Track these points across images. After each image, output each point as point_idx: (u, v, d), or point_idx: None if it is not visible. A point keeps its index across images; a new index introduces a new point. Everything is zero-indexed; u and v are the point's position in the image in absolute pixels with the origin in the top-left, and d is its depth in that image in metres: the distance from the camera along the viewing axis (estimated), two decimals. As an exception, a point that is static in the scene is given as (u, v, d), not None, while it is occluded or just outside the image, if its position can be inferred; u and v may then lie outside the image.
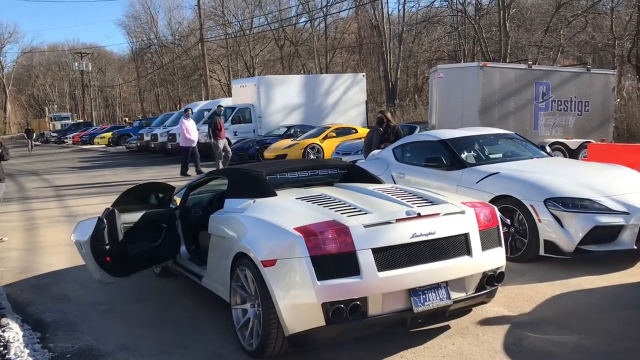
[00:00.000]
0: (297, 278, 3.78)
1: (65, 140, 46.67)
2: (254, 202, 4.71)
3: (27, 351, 4.10)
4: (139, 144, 28.62)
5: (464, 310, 4.72)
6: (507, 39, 30.44)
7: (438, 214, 4.14)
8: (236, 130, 21.56)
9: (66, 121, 59.13)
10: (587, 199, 5.91)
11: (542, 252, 6.03)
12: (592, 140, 13.00)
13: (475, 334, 4.43)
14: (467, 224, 4.21)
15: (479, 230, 4.25)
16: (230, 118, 21.65)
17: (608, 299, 5.12)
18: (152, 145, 25.58)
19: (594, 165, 7.00)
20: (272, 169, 5.42)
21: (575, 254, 5.86)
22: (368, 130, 12.71)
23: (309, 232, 3.80)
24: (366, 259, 3.79)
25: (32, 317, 5.29)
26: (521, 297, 5.17)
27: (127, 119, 59.10)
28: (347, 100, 22.84)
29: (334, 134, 18.03)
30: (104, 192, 14.13)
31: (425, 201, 4.40)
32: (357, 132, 18.41)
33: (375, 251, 3.83)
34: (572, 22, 30.87)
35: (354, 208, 4.18)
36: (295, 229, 3.87)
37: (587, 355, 4.03)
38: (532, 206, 6.03)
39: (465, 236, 4.18)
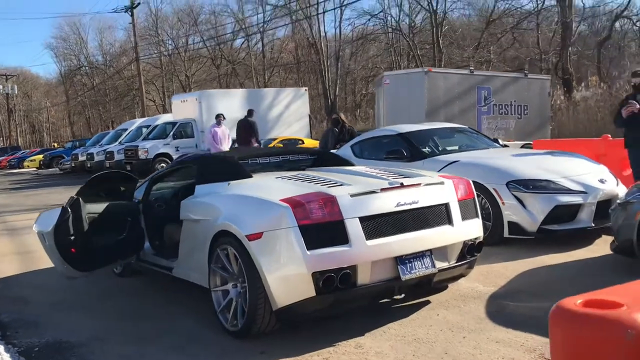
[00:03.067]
0: (285, 249, 3.70)
1: (-9, 165, 44.36)
2: (229, 184, 4.60)
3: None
4: (73, 165, 27.53)
5: (443, 286, 4.80)
6: (440, 55, 31.52)
7: (419, 184, 4.18)
8: (178, 145, 21.14)
9: (-9, 146, 56.35)
10: (547, 180, 6.13)
11: (506, 233, 6.19)
12: (531, 143, 13.55)
13: (457, 306, 4.47)
14: (446, 194, 4.28)
15: (458, 201, 4.32)
16: (172, 133, 21.23)
17: (574, 271, 5.30)
18: (89, 165, 24.67)
19: (547, 152, 7.28)
20: (243, 154, 5.33)
21: (538, 233, 6.05)
22: (316, 141, 12.66)
23: (296, 203, 3.74)
24: (354, 228, 3.77)
25: (-12, 319, 4.94)
26: (493, 274, 5.27)
27: (55, 145, 56.86)
28: (291, 113, 22.88)
29: (281, 145, 18.00)
30: (43, 207, 13.47)
31: (403, 176, 4.43)
32: (303, 143, 18.45)
33: (363, 220, 3.82)
34: (501, 38, 32.37)
35: (336, 182, 4.16)
36: (281, 200, 3.81)
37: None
38: (495, 189, 6.19)
39: (446, 206, 4.24)
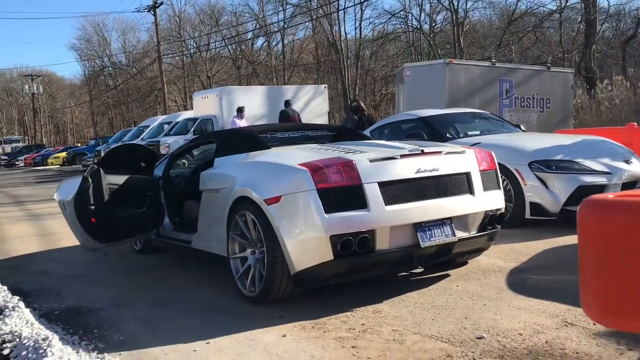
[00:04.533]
0: (304, 212, 3.68)
1: (17, 163, 45.08)
2: (248, 155, 4.60)
3: (11, 305, 3.81)
4: (95, 161, 27.86)
5: (463, 261, 4.74)
6: (461, 55, 31.26)
7: (440, 151, 4.14)
8: (199, 141, 21.25)
9: (17, 144, 57.20)
10: (570, 160, 6.03)
11: (528, 215, 6.09)
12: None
13: (477, 279, 4.41)
14: (468, 163, 4.23)
15: (480, 171, 4.27)
16: (193, 129, 21.35)
17: (598, 250, 5.19)
18: (111, 161, 24.94)
19: (572, 135, 7.17)
20: (262, 129, 5.32)
21: (560, 214, 5.94)
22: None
23: (314, 167, 3.72)
24: (373, 193, 3.74)
25: (11, 287, 4.97)
26: (515, 252, 5.18)
27: (79, 145, 57.62)
28: (310, 110, 22.86)
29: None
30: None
31: (424, 146, 4.38)
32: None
33: (382, 185, 3.78)
34: (523, 37, 32.02)
35: (356, 150, 4.12)
36: (299, 164, 3.79)
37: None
38: (517, 170, 6.10)
39: (467, 175, 4.19)
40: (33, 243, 7.27)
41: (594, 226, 1.25)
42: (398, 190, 3.85)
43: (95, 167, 4.89)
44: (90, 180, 4.77)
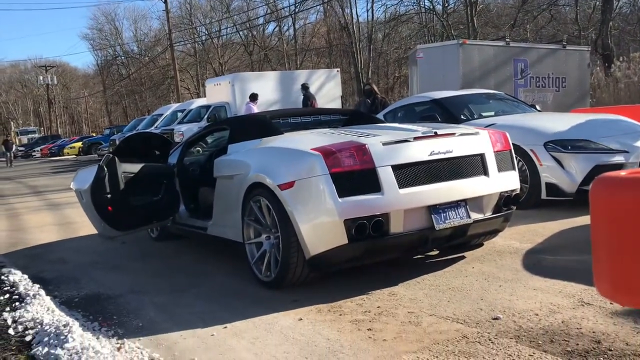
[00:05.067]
0: (317, 196, 3.69)
1: (33, 154, 45.61)
2: (261, 141, 4.60)
3: (32, 293, 3.87)
4: (110, 150, 28.11)
5: (479, 243, 4.73)
6: (475, 35, 30.90)
7: (454, 133, 4.11)
8: (212, 128, 21.32)
9: (33, 135, 57.81)
10: (586, 140, 5.96)
11: (544, 195, 6.05)
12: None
13: (492, 260, 4.40)
14: (482, 144, 4.20)
15: (494, 152, 4.24)
16: (206, 117, 21.39)
17: (615, 230, 5.15)
18: (126, 150, 25.12)
19: (586, 114, 7.08)
20: (275, 114, 5.32)
21: (577, 195, 5.89)
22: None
23: (327, 151, 3.72)
24: (386, 176, 3.73)
25: (32, 276, 5.06)
26: (531, 233, 5.16)
27: (94, 134, 58.06)
28: (323, 95, 22.76)
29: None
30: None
31: (437, 128, 4.36)
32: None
33: (395, 168, 3.77)
34: (537, 16, 31.56)
35: (369, 134, 4.11)
36: (312, 149, 3.79)
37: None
38: (532, 150, 6.05)
39: (481, 156, 4.16)
40: (52, 232, 7.37)
41: (606, 204, 1.24)
42: (412, 173, 3.84)
43: (111, 156, 4.94)
44: (105, 169, 4.82)
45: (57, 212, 9.44)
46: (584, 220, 5.46)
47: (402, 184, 3.77)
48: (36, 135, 56.69)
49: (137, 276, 4.87)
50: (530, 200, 6.09)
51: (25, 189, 15.25)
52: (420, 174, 3.87)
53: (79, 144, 38.59)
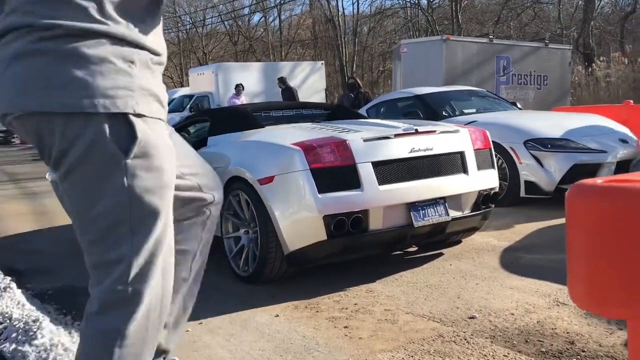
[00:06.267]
0: (297, 192, 3.66)
1: (12, 140, 44.78)
2: (242, 134, 4.56)
3: (2, 286, 3.80)
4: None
5: (457, 240, 4.75)
6: (460, 31, 31.01)
7: (434, 131, 4.11)
8: (195, 118, 21.16)
9: (11, 122, 56.71)
10: (565, 139, 6.01)
11: (523, 193, 6.10)
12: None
13: (470, 257, 4.42)
14: (462, 142, 4.20)
15: (474, 150, 4.25)
16: (189, 106, 21.23)
17: (592, 229, 5.21)
18: (107, 138, 24.82)
19: (566, 113, 7.15)
20: (257, 107, 5.28)
21: (555, 193, 5.94)
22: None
23: (307, 146, 3.70)
24: (366, 172, 3.72)
25: (4, 267, 4.96)
26: (508, 231, 5.19)
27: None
28: (307, 87, 22.72)
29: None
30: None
31: (418, 125, 4.36)
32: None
33: (375, 165, 3.76)
34: (521, 13, 31.75)
35: (350, 130, 4.09)
36: (292, 144, 3.76)
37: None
38: (512, 148, 6.09)
39: (461, 154, 4.17)
40: (28, 222, 7.24)
41: (581, 212, 1.23)
42: (392, 170, 3.83)
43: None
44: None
45: (34, 201, 9.29)
46: (560, 219, 5.51)
47: (382, 181, 3.76)
48: (15, 122, 55.66)
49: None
50: (510, 197, 6.13)
51: (3, 176, 14.99)
52: (400, 170, 3.87)
53: (59, 131, 37.96)
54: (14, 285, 3.53)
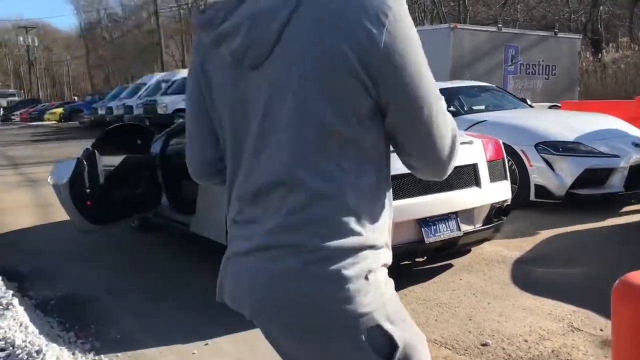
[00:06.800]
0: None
1: (12, 117, 44.67)
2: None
3: (5, 302, 3.71)
4: (92, 118, 27.59)
5: (466, 249, 4.65)
6: (466, 13, 30.62)
7: (447, 143, 3.98)
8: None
9: (12, 98, 56.52)
10: (577, 142, 5.89)
11: (533, 197, 5.99)
12: (558, 104, 13.12)
13: (480, 270, 4.33)
14: (475, 154, 4.09)
15: (487, 162, 4.13)
16: (191, 89, 21.01)
17: (602, 237, 5.12)
18: (107, 119, 24.64)
19: (579, 113, 7.01)
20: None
21: (566, 197, 5.84)
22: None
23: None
24: (377, 187, 3.60)
25: (5, 270, 4.90)
26: (518, 239, 5.10)
27: (76, 98, 56.96)
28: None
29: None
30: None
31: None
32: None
33: (386, 179, 3.64)
34: (529, -4, 31.30)
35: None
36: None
37: (598, 282, 3.97)
38: (522, 151, 5.97)
39: (474, 167, 4.05)
40: (27, 215, 7.16)
41: (629, 314, 1.13)
42: (402, 185, 3.72)
43: (90, 149, 4.74)
44: (85, 163, 4.63)
45: (34, 190, 9.22)
46: (571, 225, 5.42)
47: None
48: (16, 99, 55.46)
49: (115, 272, 4.74)
50: (519, 201, 6.01)
51: (3, 159, 14.90)
52: (410, 185, 3.75)
53: (60, 109, 37.79)
54: (16, 301, 3.44)
